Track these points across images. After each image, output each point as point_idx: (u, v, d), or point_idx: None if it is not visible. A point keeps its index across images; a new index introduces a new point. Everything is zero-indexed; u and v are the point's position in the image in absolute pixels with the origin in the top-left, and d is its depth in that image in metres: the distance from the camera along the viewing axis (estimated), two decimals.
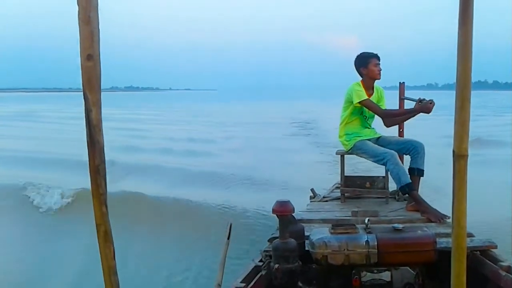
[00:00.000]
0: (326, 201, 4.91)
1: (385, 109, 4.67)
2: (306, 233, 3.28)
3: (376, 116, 4.70)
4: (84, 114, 1.17)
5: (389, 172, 4.36)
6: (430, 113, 4.26)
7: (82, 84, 1.15)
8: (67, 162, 10.31)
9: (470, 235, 3.30)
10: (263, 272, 3.06)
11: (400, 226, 3.12)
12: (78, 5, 1.12)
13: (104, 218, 1.20)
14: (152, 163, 10.50)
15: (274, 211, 3.04)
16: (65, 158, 10.76)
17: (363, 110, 4.63)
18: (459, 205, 1.24)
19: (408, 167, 4.38)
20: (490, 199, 5.76)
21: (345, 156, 4.78)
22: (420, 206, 4.12)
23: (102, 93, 1.19)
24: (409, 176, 4.22)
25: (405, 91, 5.23)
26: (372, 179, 4.77)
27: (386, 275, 3.05)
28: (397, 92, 5.22)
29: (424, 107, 4.25)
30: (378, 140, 4.65)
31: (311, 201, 4.94)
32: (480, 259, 3.14)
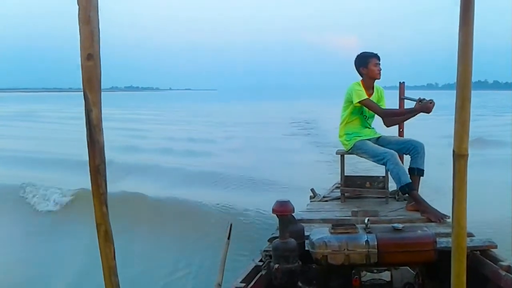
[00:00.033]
0: (326, 201, 4.91)
1: (385, 109, 4.67)
2: (306, 233, 3.28)
3: (376, 116, 4.70)
4: (84, 114, 1.17)
5: (389, 172, 4.36)
6: (430, 113, 4.27)
7: (82, 84, 1.15)
8: (66, 162, 10.32)
9: (470, 235, 3.30)
10: (263, 272, 3.06)
11: (400, 226, 3.12)
12: (78, 5, 1.12)
13: (105, 218, 1.20)
14: (152, 163, 10.49)
15: (274, 211, 3.04)
16: (65, 158, 10.76)
17: (363, 110, 4.63)
18: (459, 205, 1.24)
19: (408, 167, 4.38)
20: (490, 199, 5.75)
21: (345, 155, 4.78)
22: (420, 206, 4.12)
23: (102, 93, 1.19)
24: (409, 176, 4.22)
25: (405, 91, 5.23)
26: (372, 179, 4.77)
27: (386, 275, 3.05)
28: (397, 92, 5.22)
29: (424, 106, 4.25)
30: (378, 140, 4.65)
31: (311, 201, 4.94)
32: (480, 259, 3.14)
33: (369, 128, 4.74)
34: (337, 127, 4.82)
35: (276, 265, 2.92)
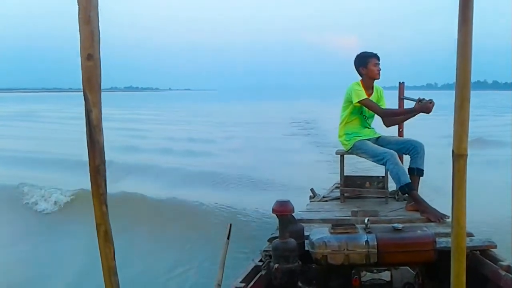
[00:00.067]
0: (326, 201, 4.91)
1: (385, 109, 4.67)
2: (306, 233, 3.29)
3: (375, 116, 4.70)
4: (84, 114, 1.17)
5: (388, 172, 4.36)
6: (430, 113, 4.27)
7: (82, 84, 1.15)
8: (66, 162, 10.33)
9: (469, 234, 3.30)
10: (263, 272, 3.06)
11: (400, 226, 3.12)
12: (78, 4, 1.12)
13: (104, 218, 1.20)
14: (152, 163, 10.49)
15: (274, 211, 3.04)
16: (64, 159, 10.77)
17: (363, 110, 4.63)
18: (459, 205, 1.24)
19: (407, 167, 4.38)
20: (490, 199, 5.76)
21: (345, 155, 4.78)
22: (419, 206, 4.12)
23: (101, 93, 1.19)
24: (408, 176, 4.22)
25: (405, 91, 5.23)
26: (372, 179, 4.77)
27: (386, 275, 3.05)
28: (397, 92, 5.22)
29: (424, 106, 4.25)
30: (378, 140, 4.65)
31: (310, 201, 4.94)
32: (480, 259, 3.14)
33: (368, 128, 4.74)
34: (336, 127, 4.82)
35: (276, 265, 2.92)
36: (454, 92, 1.22)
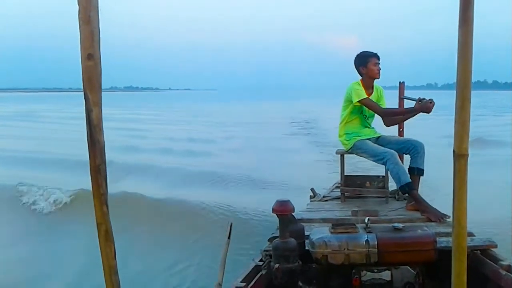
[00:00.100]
0: (326, 200, 4.91)
1: (385, 108, 4.67)
2: (306, 233, 3.29)
3: (376, 115, 4.70)
4: (84, 114, 1.17)
5: (389, 172, 4.37)
6: (430, 113, 4.27)
7: (83, 83, 1.15)
8: (66, 162, 10.32)
9: (470, 234, 3.30)
10: (263, 272, 3.06)
11: (400, 225, 3.12)
12: (78, 4, 1.12)
13: (105, 217, 1.20)
14: (152, 163, 10.48)
15: (274, 210, 3.04)
16: (64, 158, 10.78)
17: (363, 109, 4.63)
18: (460, 205, 1.24)
19: (408, 167, 4.38)
20: (491, 199, 5.75)
21: (345, 155, 4.78)
22: (420, 205, 4.12)
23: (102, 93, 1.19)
24: (409, 175, 4.22)
25: (405, 91, 5.23)
26: (372, 179, 4.77)
27: (386, 275, 3.05)
28: (397, 92, 5.22)
29: (424, 106, 4.26)
30: (378, 140, 4.65)
31: (311, 201, 4.94)
32: (481, 259, 3.15)
33: (369, 127, 4.73)
34: (336, 126, 4.82)
35: (276, 265, 2.92)
36: (454, 92, 1.22)
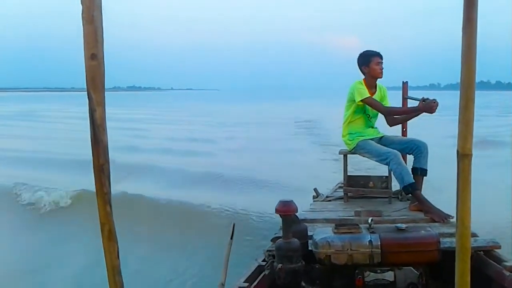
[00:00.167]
0: (329, 200, 4.90)
1: (388, 107, 4.65)
2: (309, 233, 3.29)
3: (379, 115, 4.69)
4: (88, 114, 1.17)
5: (392, 172, 4.36)
6: (434, 113, 4.26)
7: (86, 83, 1.15)
8: (67, 162, 10.34)
9: (474, 235, 3.29)
10: (266, 272, 3.06)
11: (404, 226, 3.12)
12: (82, 4, 1.12)
13: (108, 217, 1.20)
14: (153, 164, 10.46)
15: (277, 211, 3.03)
16: (66, 158, 10.80)
17: (366, 109, 4.62)
18: (463, 205, 1.24)
19: (411, 167, 4.37)
20: (495, 199, 5.73)
21: (348, 155, 4.78)
22: (423, 206, 4.11)
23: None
24: (412, 175, 4.21)
25: (408, 91, 5.22)
26: (375, 179, 4.76)
27: (389, 275, 3.05)
28: (400, 92, 5.21)
29: (428, 106, 4.24)
30: (381, 140, 4.64)
31: (314, 201, 4.93)
32: (484, 259, 3.14)
33: (372, 127, 4.73)
34: (339, 126, 4.81)
35: (279, 265, 2.92)
36: (457, 92, 1.22)
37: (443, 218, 3.87)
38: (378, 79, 4.64)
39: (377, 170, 5.42)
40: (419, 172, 4.32)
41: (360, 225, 3.15)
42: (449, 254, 2.56)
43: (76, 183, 7.54)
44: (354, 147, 4.62)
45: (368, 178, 4.84)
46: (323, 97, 71.36)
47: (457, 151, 1.23)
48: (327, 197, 5.01)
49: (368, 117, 4.68)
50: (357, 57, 4.65)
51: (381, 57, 4.57)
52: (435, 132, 12.73)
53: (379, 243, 2.95)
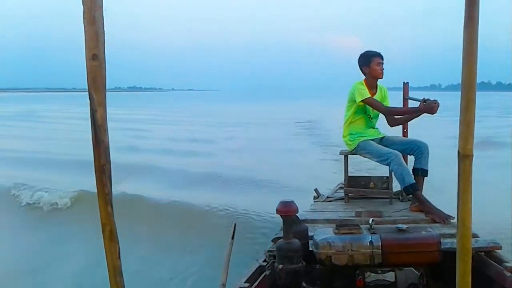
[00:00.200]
0: (330, 201, 4.90)
1: (389, 107, 4.65)
2: (310, 233, 3.29)
3: (380, 116, 4.69)
4: (89, 114, 1.17)
5: (393, 173, 4.36)
6: (435, 114, 4.26)
7: (88, 83, 1.15)
8: (67, 163, 10.34)
9: (474, 235, 3.29)
10: (267, 272, 3.06)
11: (404, 226, 3.11)
12: (83, 5, 1.12)
13: (110, 217, 1.20)
14: (153, 164, 10.46)
15: (278, 211, 3.04)
16: (66, 159, 10.80)
17: (367, 109, 4.62)
18: (464, 206, 1.24)
19: (412, 168, 4.37)
20: (497, 200, 5.73)
21: (349, 156, 4.78)
22: (424, 206, 4.11)
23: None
24: (413, 176, 4.21)
25: (409, 92, 5.21)
26: (376, 180, 4.76)
27: (390, 276, 3.04)
28: (401, 93, 5.21)
29: (429, 107, 4.24)
30: (382, 140, 4.64)
31: (314, 201, 4.93)
32: (485, 260, 3.14)
33: (373, 128, 4.72)
34: (340, 127, 4.81)
35: (280, 266, 2.92)
36: (458, 93, 1.22)
37: (444, 218, 3.86)
38: (379, 80, 4.64)
39: (377, 170, 5.42)
40: (420, 172, 4.32)
41: (361, 226, 3.15)
42: (450, 255, 2.56)
43: (77, 183, 7.55)
44: (355, 148, 4.62)
45: (369, 178, 4.83)
46: (323, 97, 71.41)
47: (458, 152, 1.23)
48: (327, 197, 5.00)
49: (369, 118, 4.68)
50: (358, 57, 4.65)
51: (381, 57, 4.57)
52: (436, 132, 12.72)
53: (380, 243, 2.95)
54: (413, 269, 3.04)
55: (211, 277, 4.26)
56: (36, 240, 6.01)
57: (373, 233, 3.03)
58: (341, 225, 3.17)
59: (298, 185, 7.49)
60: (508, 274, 2.87)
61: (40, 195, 7.39)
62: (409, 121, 4.86)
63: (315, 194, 5.08)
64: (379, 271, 3.05)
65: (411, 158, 4.60)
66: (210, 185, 8.49)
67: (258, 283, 2.92)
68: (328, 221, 3.95)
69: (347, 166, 4.77)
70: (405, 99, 5.11)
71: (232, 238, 2.88)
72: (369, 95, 4.48)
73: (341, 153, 4.85)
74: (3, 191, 7.75)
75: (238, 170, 9.67)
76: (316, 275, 3.20)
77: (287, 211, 3.01)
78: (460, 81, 1.21)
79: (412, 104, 4.80)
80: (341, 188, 5.19)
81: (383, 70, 4.58)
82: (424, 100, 4.30)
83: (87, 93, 1.16)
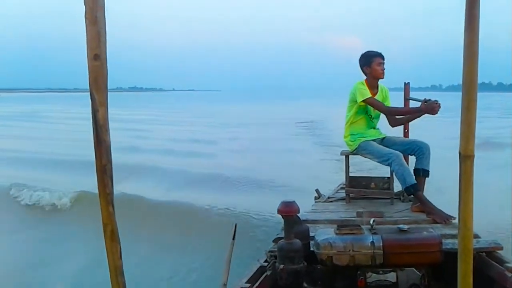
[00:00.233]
0: (331, 201, 4.90)
1: (390, 107, 4.65)
2: (311, 234, 3.29)
3: (381, 116, 4.69)
4: (90, 114, 1.17)
5: (394, 173, 4.35)
6: (436, 115, 4.25)
7: (89, 84, 1.16)
8: (68, 163, 10.35)
9: (476, 236, 3.29)
10: (268, 273, 3.06)
11: (406, 227, 3.11)
12: (85, 5, 1.12)
13: (111, 217, 1.20)
14: (154, 165, 10.46)
15: (279, 211, 3.04)
16: (67, 159, 10.81)
17: (368, 110, 4.62)
18: (465, 206, 1.24)
19: (413, 168, 4.37)
20: (498, 200, 5.72)
21: (350, 156, 4.77)
22: (425, 207, 4.10)
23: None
24: (414, 176, 4.21)
25: (410, 92, 5.21)
26: (377, 180, 4.76)
27: (391, 276, 3.04)
28: (402, 93, 5.21)
29: (430, 107, 4.23)
30: (383, 141, 4.64)
31: (316, 202, 4.93)
32: (486, 261, 3.13)
33: (374, 128, 4.72)
34: (341, 127, 4.81)
35: (281, 266, 2.92)
36: (459, 94, 1.21)
37: (445, 219, 3.86)
38: (380, 80, 4.64)
39: (379, 171, 5.41)
40: (421, 173, 4.32)
41: (362, 226, 3.14)
42: (451, 255, 2.56)
43: (77, 184, 7.55)
44: (356, 148, 4.62)
45: (370, 179, 4.83)
46: (324, 97, 71.35)
47: (459, 153, 1.23)
48: (328, 198, 5.00)
49: (370, 118, 4.68)
50: (359, 57, 4.65)
51: (382, 57, 4.57)
52: (437, 133, 12.71)
53: (381, 244, 2.94)
54: (414, 269, 3.04)
55: (211, 277, 4.26)
56: (36, 240, 6.01)
57: (374, 233, 3.02)
58: (342, 226, 3.17)
59: (299, 186, 7.49)
60: (510, 274, 2.87)
61: (41, 195, 7.39)
62: (410, 121, 4.85)
63: (316, 195, 5.08)
64: (381, 272, 3.05)
65: (412, 159, 4.60)
66: (211, 186, 8.48)
67: (259, 283, 2.92)
68: (329, 221, 3.95)
69: (348, 166, 4.77)
70: (406, 99, 5.11)
71: (233, 238, 2.88)
72: (370, 95, 4.48)
73: (342, 154, 4.85)
74: (4, 191, 7.75)
75: (239, 170, 9.66)
76: (317, 276, 3.20)
77: (288, 211, 3.01)
78: (461, 82, 1.21)
79: (413, 104, 4.80)
80: (342, 188, 5.19)
81: (384, 70, 4.58)
82: (425, 101, 4.29)
83: (89, 93, 1.16)
